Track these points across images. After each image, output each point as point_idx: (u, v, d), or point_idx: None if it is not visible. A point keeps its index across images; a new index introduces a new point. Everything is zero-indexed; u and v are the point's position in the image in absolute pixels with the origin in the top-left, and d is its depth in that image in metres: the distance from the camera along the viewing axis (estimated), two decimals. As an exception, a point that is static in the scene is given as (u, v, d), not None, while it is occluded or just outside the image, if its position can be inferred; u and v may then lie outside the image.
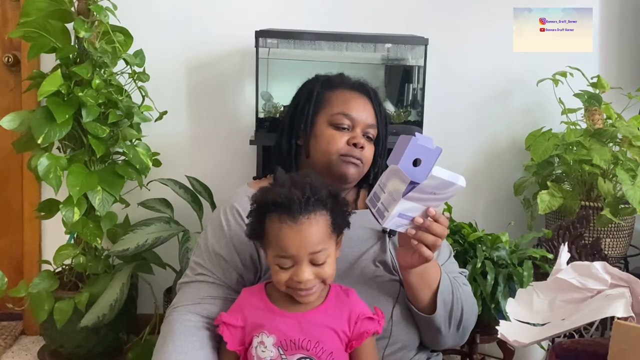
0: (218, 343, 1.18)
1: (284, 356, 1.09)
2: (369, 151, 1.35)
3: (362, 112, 1.35)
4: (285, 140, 1.39)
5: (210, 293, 1.24)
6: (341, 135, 1.32)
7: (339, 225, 1.13)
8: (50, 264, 2.07)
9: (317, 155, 1.34)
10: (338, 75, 1.45)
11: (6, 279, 1.95)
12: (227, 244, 1.28)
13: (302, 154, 1.38)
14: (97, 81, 1.90)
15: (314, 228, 1.07)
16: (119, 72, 2.03)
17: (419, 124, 2.08)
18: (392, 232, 1.32)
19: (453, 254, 1.42)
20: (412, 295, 1.23)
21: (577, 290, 1.18)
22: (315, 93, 1.37)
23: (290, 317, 1.11)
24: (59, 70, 1.90)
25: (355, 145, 1.32)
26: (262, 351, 1.10)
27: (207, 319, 1.21)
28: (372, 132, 1.37)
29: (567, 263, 1.26)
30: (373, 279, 1.28)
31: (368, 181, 1.41)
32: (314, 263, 1.08)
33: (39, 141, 1.83)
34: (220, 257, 1.28)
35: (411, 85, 2.19)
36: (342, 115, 1.33)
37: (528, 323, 1.23)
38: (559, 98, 2.25)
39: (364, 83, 1.43)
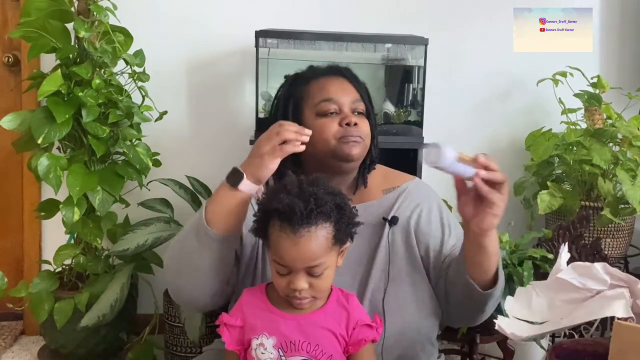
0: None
1: (283, 358, 1.10)
2: (365, 126, 1.32)
3: (342, 92, 1.33)
4: None
5: None
6: (331, 120, 1.30)
7: (342, 237, 1.11)
8: (50, 264, 2.07)
9: (315, 148, 1.28)
10: (307, 69, 1.42)
11: (6, 279, 1.95)
12: (246, 224, 1.25)
13: (300, 154, 1.32)
14: (97, 81, 1.90)
15: (313, 242, 1.06)
16: (119, 72, 2.03)
17: (419, 124, 2.08)
18: (392, 221, 1.32)
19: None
20: (485, 265, 1.18)
21: (577, 290, 1.18)
22: (291, 92, 1.35)
23: (291, 319, 1.12)
24: (59, 70, 1.90)
25: (348, 124, 1.28)
26: (262, 353, 1.10)
27: None
28: (361, 107, 1.34)
29: (567, 263, 1.26)
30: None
31: (371, 159, 1.37)
32: (310, 274, 1.08)
33: (39, 141, 1.83)
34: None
35: (411, 85, 2.19)
36: (324, 102, 1.31)
37: (526, 321, 1.23)
38: (559, 98, 2.25)
39: (333, 65, 1.40)
